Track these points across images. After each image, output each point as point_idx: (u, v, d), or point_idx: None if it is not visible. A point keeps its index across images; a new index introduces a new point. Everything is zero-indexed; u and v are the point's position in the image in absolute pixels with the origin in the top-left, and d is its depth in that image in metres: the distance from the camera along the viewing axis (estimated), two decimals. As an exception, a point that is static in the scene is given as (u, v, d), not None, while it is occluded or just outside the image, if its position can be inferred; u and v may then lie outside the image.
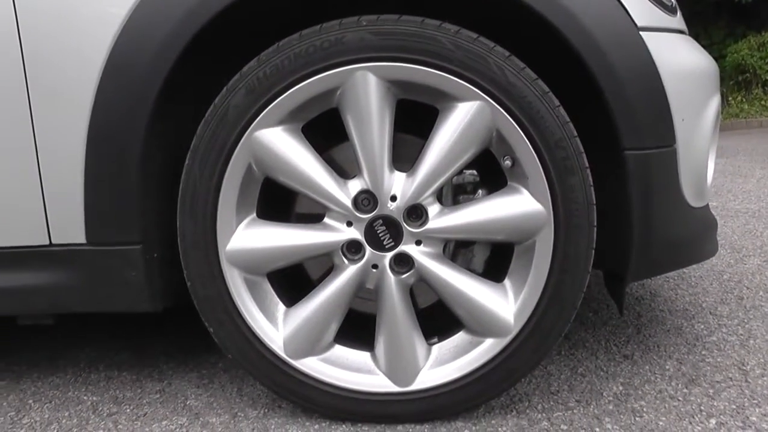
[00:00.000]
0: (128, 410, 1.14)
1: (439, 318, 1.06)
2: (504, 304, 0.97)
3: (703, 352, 1.20)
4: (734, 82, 8.39)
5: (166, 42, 0.94)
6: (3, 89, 1.00)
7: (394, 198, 0.95)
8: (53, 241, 1.05)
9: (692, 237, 1.08)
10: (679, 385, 1.08)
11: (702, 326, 1.34)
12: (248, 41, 1.02)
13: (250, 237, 0.99)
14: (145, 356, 1.39)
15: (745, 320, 1.35)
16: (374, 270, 0.97)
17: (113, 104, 0.97)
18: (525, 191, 0.93)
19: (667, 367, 1.16)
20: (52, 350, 1.46)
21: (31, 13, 0.99)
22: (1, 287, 1.07)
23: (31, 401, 1.21)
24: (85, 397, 1.21)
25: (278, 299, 1.03)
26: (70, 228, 1.03)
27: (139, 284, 1.04)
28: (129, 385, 1.25)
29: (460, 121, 0.92)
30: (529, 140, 0.90)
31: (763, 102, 7.52)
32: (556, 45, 0.94)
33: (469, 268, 1.03)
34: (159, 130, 1.00)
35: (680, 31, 1.07)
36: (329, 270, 1.02)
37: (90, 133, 0.99)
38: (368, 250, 0.96)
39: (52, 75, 0.99)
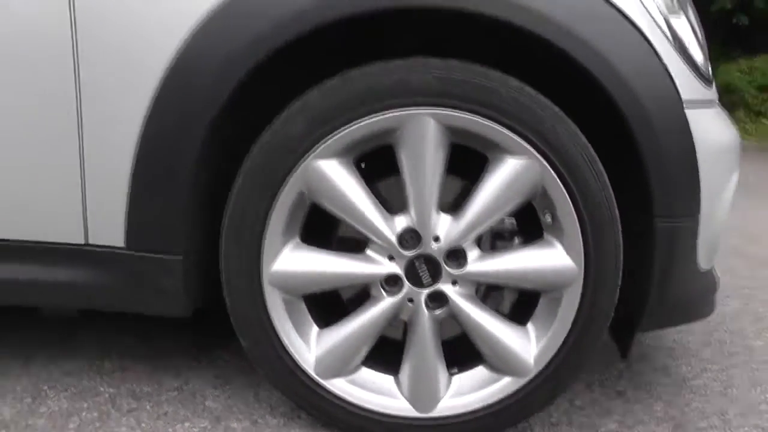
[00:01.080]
0: (148, 407, 1.17)
1: (459, 349, 1.12)
2: (526, 346, 1.03)
3: (689, 396, 1.31)
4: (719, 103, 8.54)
5: (229, 64, 0.95)
6: (53, 87, 1.00)
7: (437, 238, 0.99)
8: (90, 242, 1.06)
9: (698, 297, 1.16)
10: (668, 428, 1.18)
11: (687, 368, 1.44)
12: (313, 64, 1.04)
13: (294, 261, 1.02)
14: (157, 347, 1.41)
15: (726, 367, 1.46)
16: (410, 303, 1.02)
17: (169, 116, 0.98)
18: (560, 246, 0.99)
19: (656, 408, 1.25)
20: (60, 333, 1.47)
21: (88, 12, 0.98)
22: (38, 280, 1.08)
23: (45, 388, 1.23)
24: (101, 388, 1.23)
25: (312, 320, 1.07)
26: (110, 231, 1.05)
27: (174, 291, 1.07)
28: (145, 379, 1.28)
29: (510, 174, 0.96)
30: (572, 202, 0.96)
31: (745, 125, 7.71)
32: (598, 107, 0.99)
33: (496, 310, 1.09)
34: (213, 146, 1.01)
35: (714, 102, 1.14)
36: (361, 292, 1.07)
37: (142, 142, 0.99)
38: (407, 285, 1.01)
39: (106, 79, 0.99)
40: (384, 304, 1.02)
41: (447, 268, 1.00)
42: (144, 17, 0.97)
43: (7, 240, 1.08)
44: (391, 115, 0.94)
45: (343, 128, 0.96)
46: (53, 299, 1.12)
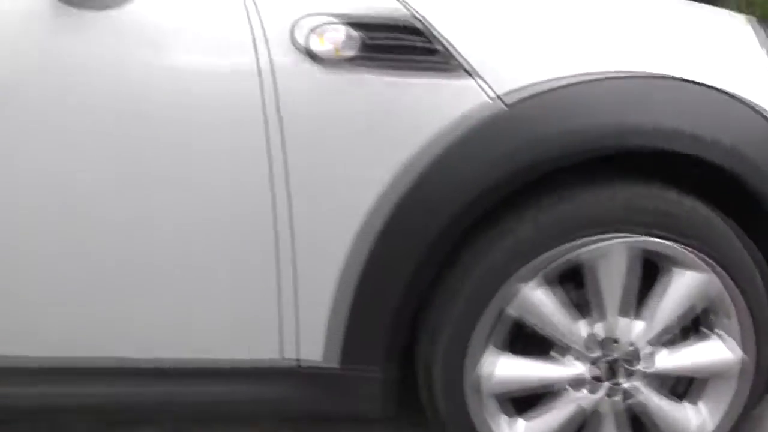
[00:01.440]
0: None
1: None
2: (695, 422, 1.19)
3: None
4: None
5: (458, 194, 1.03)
6: (263, 208, 1.03)
7: (622, 341, 1.12)
8: (301, 362, 1.13)
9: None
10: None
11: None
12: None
13: (491, 366, 1.13)
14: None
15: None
16: (596, 398, 1.15)
17: (392, 241, 1.05)
18: (731, 341, 1.14)
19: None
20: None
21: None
22: (243, 399, 1.15)
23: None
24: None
25: (504, 409, 1.18)
26: (320, 350, 1.12)
27: (374, 397, 1.17)
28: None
29: (692, 287, 1.10)
30: (748, 308, 1.10)
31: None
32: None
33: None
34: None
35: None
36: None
37: (364, 266, 1.06)
38: (593, 384, 1.14)
39: (319, 198, 1.04)
40: (571, 401, 1.14)
41: (630, 367, 1.13)
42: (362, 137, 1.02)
43: (217, 360, 1.14)
44: (594, 248, 1.06)
45: (546, 257, 1.07)
46: (247, 414, 1.20)
